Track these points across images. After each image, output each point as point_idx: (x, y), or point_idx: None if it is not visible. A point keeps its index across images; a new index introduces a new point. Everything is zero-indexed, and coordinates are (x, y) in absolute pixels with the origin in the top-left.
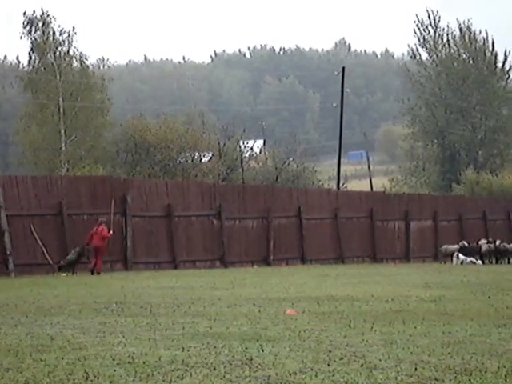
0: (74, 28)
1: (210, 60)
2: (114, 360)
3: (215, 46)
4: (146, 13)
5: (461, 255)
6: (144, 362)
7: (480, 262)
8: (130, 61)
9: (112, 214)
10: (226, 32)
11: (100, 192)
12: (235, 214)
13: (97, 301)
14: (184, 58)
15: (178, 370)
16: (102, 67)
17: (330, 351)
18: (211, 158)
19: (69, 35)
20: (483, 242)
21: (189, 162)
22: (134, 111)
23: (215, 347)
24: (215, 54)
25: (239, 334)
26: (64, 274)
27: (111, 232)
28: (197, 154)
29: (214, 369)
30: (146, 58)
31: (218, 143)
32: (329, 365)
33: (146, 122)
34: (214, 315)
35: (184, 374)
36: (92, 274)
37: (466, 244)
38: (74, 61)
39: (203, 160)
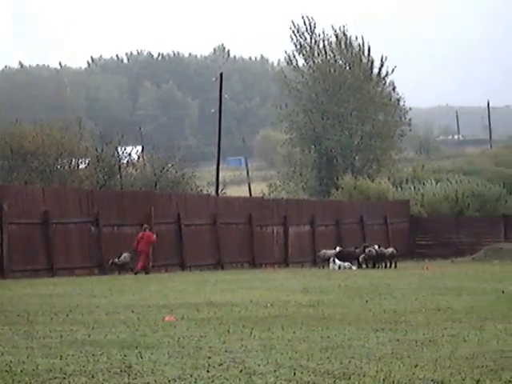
0: None
1: (86, 65)
2: None
3: (92, 51)
4: (21, 18)
5: (337, 260)
6: (21, 371)
7: (354, 267)
8: (6, 66)
9: (152, 221)
10: (102, 37)
11: None
12: (113, 220)
13: None
14: (61, 63)
15: (55, 378)
16: None
17: (209, 357)
18: (88, 164)
19: None
20: (367, 248)
21: (66, 168)
22: (9, 118)
23: (93, 355)
24: (92, 60)
25: (118, 341)
26: None
27: (155, 236)
28: (74, 160)
29: (93, 377)
30: (21, 64)
31: (96, 149)
32: (208, 371)
33: (22, 129)
34: (93, 323)
35: (62, 382)
36: (146, 273)
37: (344, 249)
38: None
39: (80, 166)
